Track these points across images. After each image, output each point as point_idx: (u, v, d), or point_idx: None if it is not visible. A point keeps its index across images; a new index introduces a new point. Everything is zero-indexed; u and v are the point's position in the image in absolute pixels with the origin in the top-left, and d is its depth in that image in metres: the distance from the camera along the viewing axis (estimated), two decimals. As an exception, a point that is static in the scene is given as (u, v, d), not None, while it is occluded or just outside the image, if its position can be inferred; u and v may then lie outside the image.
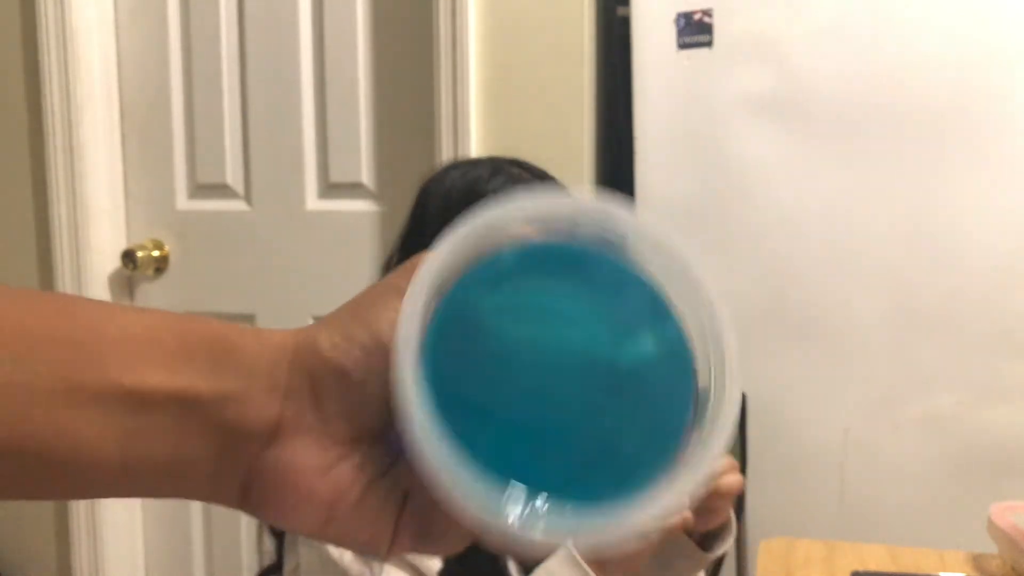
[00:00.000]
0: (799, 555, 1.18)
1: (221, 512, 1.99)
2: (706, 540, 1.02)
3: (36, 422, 0.32)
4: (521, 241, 0.35)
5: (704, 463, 0.32)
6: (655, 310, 0.35)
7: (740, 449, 1.57)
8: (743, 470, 1.57)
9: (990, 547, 1.12)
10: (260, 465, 0.34)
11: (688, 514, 0.92)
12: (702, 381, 0.35)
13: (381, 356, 0.34)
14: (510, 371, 0.34)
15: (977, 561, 1.15)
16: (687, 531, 1.01)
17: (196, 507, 2.09)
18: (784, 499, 1.58)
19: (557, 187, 1.12)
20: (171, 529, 2.11)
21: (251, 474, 0.34)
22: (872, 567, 1.13)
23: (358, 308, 0.35)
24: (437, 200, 1.11)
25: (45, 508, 2.07)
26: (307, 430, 0.34)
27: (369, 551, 0.36)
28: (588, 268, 0.36)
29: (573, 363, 0.34)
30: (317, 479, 0.34)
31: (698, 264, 0.35)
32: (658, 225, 0.35)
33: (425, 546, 0.36)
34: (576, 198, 0.35)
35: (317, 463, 0.34)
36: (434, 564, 0.94)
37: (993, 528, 1.10)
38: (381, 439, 0.35)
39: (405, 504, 0.35)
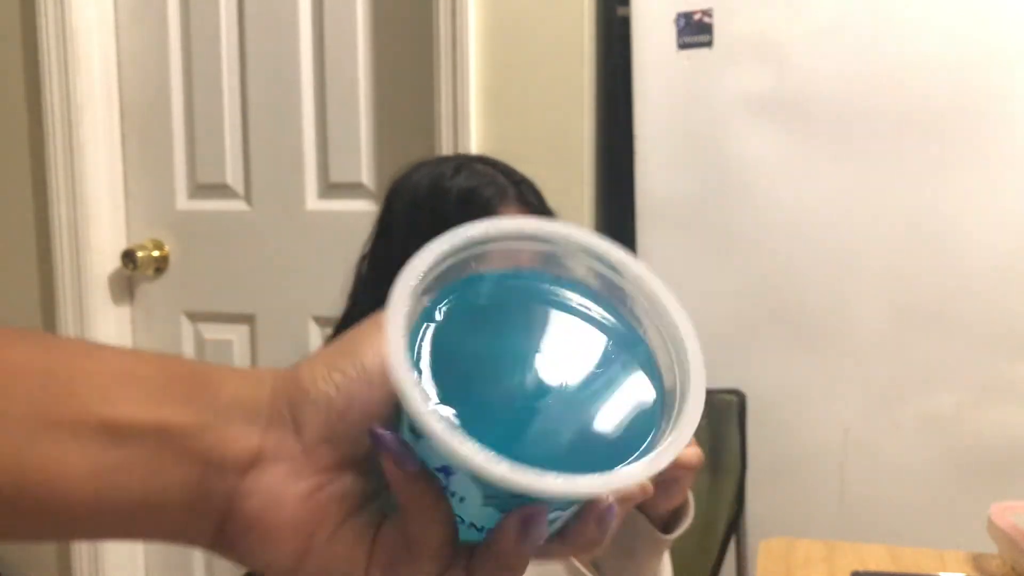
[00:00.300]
0: (799, 555, 1.18)
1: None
2: (666, 525, 1.03)
3: (9, 454, 0.31)
4: (498, 270, 0.36)
5: (668, 449, 0.33)
6: (622, 334, 0.37)
7: (740, 449, 1.57)
8: (743, 470, 1.57)
9: (990, 547, 1.12)
10: (239, 494, 0.33)
11: (649, 486, 0.92)
12: (668, 383, 0.36)
13: (365, 384, 0.33)
14: (484, 394, 0.34)
15: (977, 561, 1.15)
16: (648, 514, 1.01)
17: (196, 507, 2.09)
18: (784, 499, 1.58)
19: (525, 185, 1.15)
20: (171, 529, 2.11)
21: (229, 504, 0.33)
22: (872, 567, 1.13)
23: (343, 343, 0.35)
24: (404, 197, 1.14)
25: (45, 508, 2.07)
26: (288, 458, 0.33)
27: None
28: (559, 295, 0.37)
29: (546, 389, 0.34)
30: (298, 505, 0.33)
31: (659, 285, 0.37)
32: (613, 247, 0.37)
33: None
34: (548, 222, 0.36)
35: (298, 490, 0.33)
36: None
37: (993, 528, 1.10)
38: (362, 470, 0.34)
39: (377, 540, 0.34)
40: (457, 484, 0.33)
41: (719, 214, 1.57)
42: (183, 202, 2.04)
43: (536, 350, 0.35)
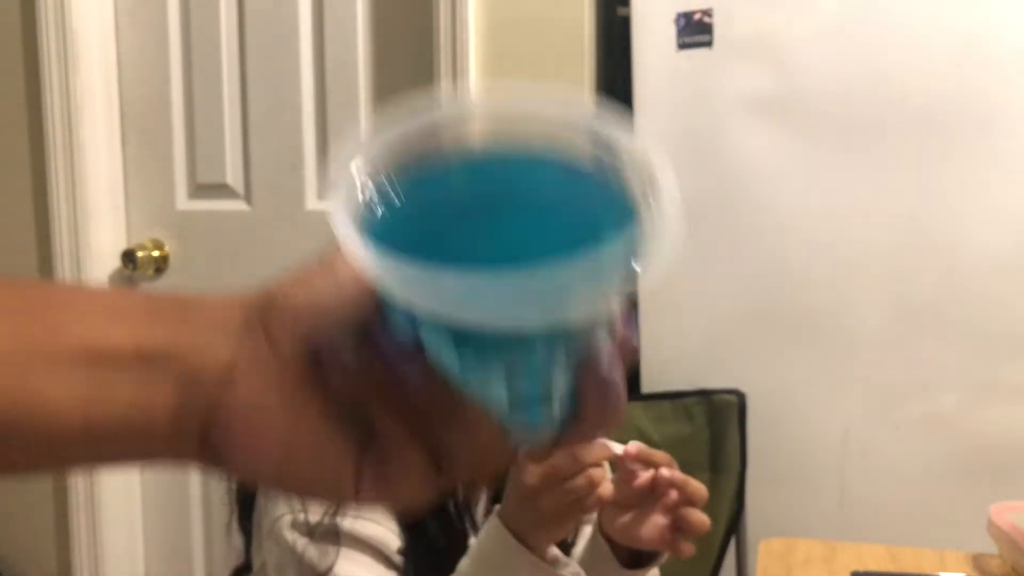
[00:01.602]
0: (799, 555, 1.18)
1: (221, 511, 1.99)
2: (639, 560, 0.95)
3: None
4: (466, 148, 0.35)
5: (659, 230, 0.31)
6: (602, 195, 0.35)
7: (740, 449, 1.57)
8: (743, 470, 1.57)
9: (990, 547, 1.12)
10: (217, 405, 0.34)
11: (609, 487, 0.85)
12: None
13: (336, 293, 0.34)
14: (437, 250, 0.32)
15: (977, 561, 1.15)
16: (615, 548, 0.94)
17: (196, 505, 2.09)
18: (784, 499, 1.58)
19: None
20: (171, 529, 2.11)
21: (209, 415, 0.34)
22: (872, 567, 1.13)
23: (315, 258, 0.36)
24: None
25: (45, 508, 2.07)
26: (263, 365, 0.34)
27: (335, 496, 0.36)
28: (535, 165, 0.35)
29: (510, 245, 0.32)
30: (276, 412, 0.34)
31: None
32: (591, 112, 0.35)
33: (387, 492, 0.35)
34: (532, 90, 0.35)
35: (275, 397, 0.34)
36: (393, 542, 0.94)
37: (993, 528, 1.10)
38: (339, 378, 0.35)
39: (366, 447, 0.35)
40: (428, 335, 0.32)
41: (719, 214, 1.57)
42: (183, 202, 2.04)
43: (503, 224, 0.33)
